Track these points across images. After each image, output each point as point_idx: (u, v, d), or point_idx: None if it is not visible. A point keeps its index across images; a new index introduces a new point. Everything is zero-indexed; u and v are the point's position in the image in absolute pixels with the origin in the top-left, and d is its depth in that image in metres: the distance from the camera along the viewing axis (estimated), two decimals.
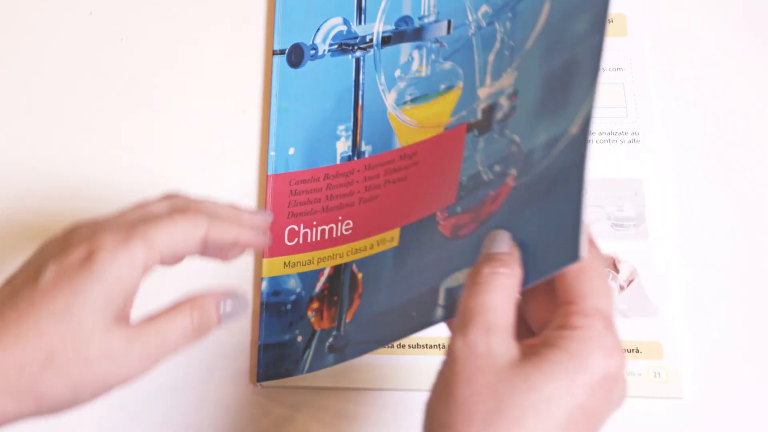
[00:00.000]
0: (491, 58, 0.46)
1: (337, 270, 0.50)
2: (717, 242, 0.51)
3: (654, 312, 0.47)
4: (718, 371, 0.46)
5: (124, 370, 0.32)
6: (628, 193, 0.52)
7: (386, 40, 0.55)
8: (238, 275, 0.52)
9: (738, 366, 0.46)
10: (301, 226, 0.51)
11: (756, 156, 0.55)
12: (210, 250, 0.35)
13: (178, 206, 0.35)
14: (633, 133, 0.55)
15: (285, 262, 0.51)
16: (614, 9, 0.43)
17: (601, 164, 0.53)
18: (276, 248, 0.51)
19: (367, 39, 0.55)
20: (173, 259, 0.34)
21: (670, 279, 0.48)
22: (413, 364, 0.49)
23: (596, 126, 0.44)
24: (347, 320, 0.48)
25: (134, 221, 0.33)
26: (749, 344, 0.47)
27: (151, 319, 0.33)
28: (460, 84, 0.50)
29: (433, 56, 0.53)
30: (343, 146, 0.53)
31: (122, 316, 0.32)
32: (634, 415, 0.44)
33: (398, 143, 0.51)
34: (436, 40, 0.53)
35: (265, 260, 0.51)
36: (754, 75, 0.58)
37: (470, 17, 0.50)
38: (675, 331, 0.47)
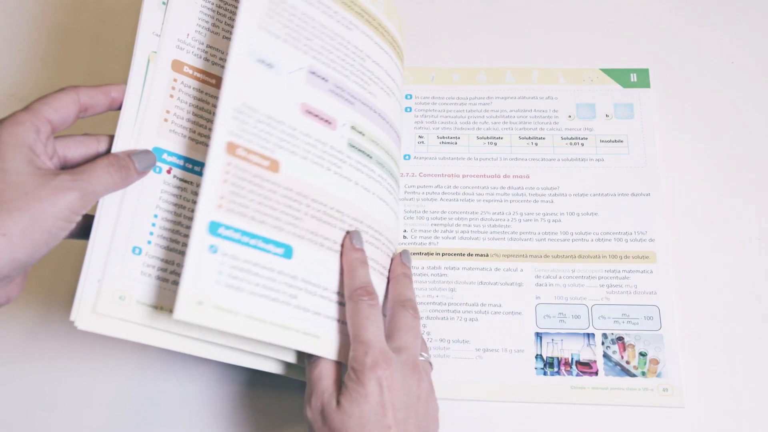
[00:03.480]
0: None
1: None
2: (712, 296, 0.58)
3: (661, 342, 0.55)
4: (709, 389, 0.54)
5: (62, 196, 0.38)
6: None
7: None
8: None
9: (723, 385, 0.53)
10: None
11: None
12: (89, 112, 0.44)
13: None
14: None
15: None
16: None
17: None
18: None
19: None
20: (61, 122, 0.42)
21: (675, 323, 0.56)
22: None
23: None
24: None
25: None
26: (732, 368, 0.55)
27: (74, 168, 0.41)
28: None
29: None
30: None
31: (38, 163, 0.39)
32: (649, 419, 0.53)
33: None
34: None
35: None
36: None
37: None
38: (678, 360, 0.54)
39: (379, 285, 0.50)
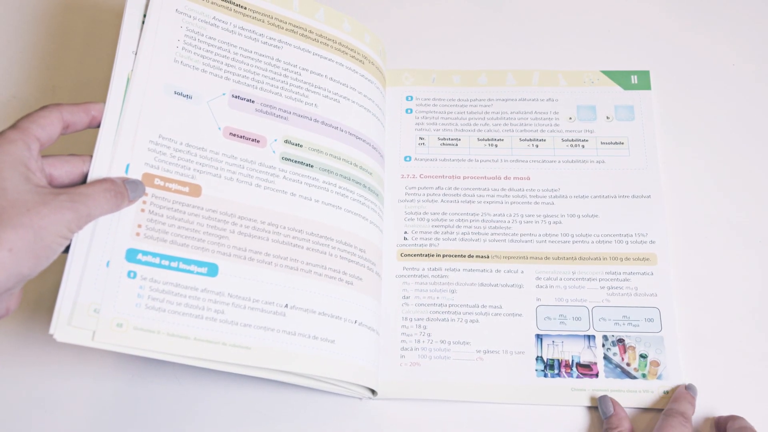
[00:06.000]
0: None
1: None
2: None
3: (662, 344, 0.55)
4: (709, 391, 0.54)
5: (61, 215, 0.39)
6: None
7: None
8: None
9: (724, 386, 0.53)
10: None
11: None
12: (70, 129, 0.45)
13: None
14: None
15: None
16: None
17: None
18: None
19: None
20: (47, 139, 0.43)
21: (675, 325, 0.56)
22: None
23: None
24: None
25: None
26: (733, 369, 0.55)
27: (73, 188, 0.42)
28: None
29: None
30: None
31: (35, 180, 0.40)
32: (649, 421, 0.53)
33: None
34: None
35: None
36: None
37: None
38: (679, 362, 0.54)
39: (333, 288, 0.51)
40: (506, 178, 0.60)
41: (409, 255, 0.58)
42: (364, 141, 0.57)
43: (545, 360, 0.54)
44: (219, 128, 0.51)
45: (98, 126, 0.46)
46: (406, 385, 0.53)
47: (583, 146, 0.61)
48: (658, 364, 0.54)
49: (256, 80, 0.54)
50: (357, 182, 0.55)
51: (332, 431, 0.52)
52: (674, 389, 0.53)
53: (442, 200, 0.60)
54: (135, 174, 0.47)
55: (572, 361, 0.54)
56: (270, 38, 0.56)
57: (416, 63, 0.65)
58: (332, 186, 0.54)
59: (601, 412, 0.52)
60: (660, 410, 0.52)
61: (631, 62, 0.64)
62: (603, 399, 0.52)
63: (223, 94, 0.52)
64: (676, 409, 0.50)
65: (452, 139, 0.62)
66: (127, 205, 0.45)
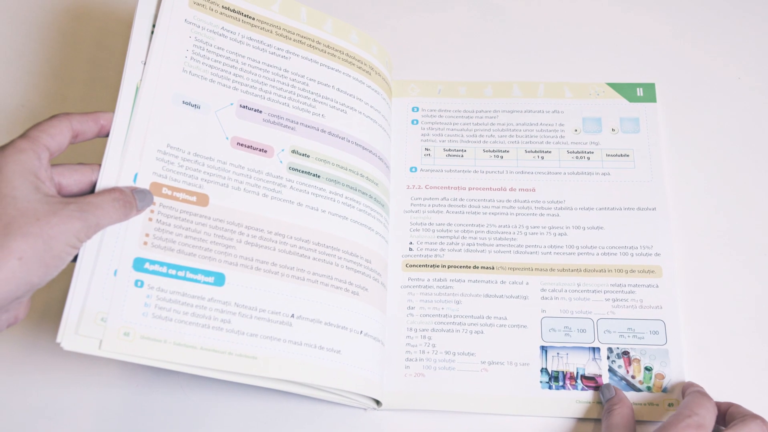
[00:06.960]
0: None
1: None
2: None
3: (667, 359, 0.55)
4: None
5: (71, 225, 0.39)
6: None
7: None
8: None
9: (728, 399, 0.52)
10: None
11: None
12: (79, 138, 0.45)
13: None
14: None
15: None
16: None
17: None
18: None
19: None
20: (57, 148, 0.43)
21: (680, 338, 0.56)
22: None
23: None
24: None
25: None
26: (737, 382, 0.54)
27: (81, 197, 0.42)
28: None
29: None
30: None
31: (44, 189, 0.40)
32: None
33: None
34: None
35: None
36: None
37: None
38: (684, 374, 0.54)
39: (339, 299, 0.51)
40: (511, 189, 0.60)
41: (414, 266, 0.58)
42: (370, 151, 0.58)
43: (550, 372, 0.54)
44: (227, 138, 0.51)
45: (107, 135, 0.47)
46: (410, 396, 0.54)
47: (588, 158, 0.61)
48: (663, 377, 0.54)
49: (264, 90, 0.54)
50: (363, 193, 0.56)
51: None
52: (679, 386, 0.53)
53: (447, 211, 0.60)
54: (143, 183, 0.47)
55: (577, 373, 0.54)
56: (278, 49, 0.56)
57: (422, 74, 0.66)
58: (339, 196, 0.54)
59: (602, 396, 0.52)
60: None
61: (636, 75, 0.65)
62: (606, 385, 0.53)
63: (231, 104, 0.52)
64: (703, 391, 0.50)
65: (458, 150, 0.62)
66: (135, 214, 0.45)
